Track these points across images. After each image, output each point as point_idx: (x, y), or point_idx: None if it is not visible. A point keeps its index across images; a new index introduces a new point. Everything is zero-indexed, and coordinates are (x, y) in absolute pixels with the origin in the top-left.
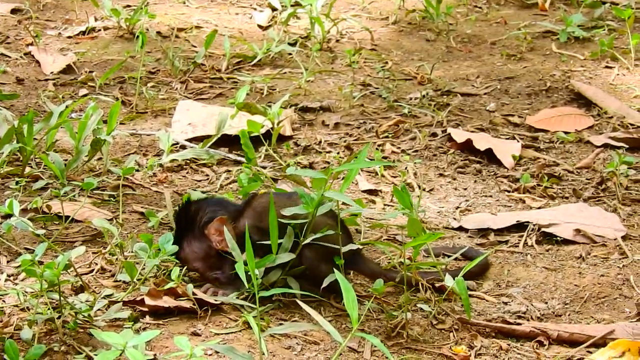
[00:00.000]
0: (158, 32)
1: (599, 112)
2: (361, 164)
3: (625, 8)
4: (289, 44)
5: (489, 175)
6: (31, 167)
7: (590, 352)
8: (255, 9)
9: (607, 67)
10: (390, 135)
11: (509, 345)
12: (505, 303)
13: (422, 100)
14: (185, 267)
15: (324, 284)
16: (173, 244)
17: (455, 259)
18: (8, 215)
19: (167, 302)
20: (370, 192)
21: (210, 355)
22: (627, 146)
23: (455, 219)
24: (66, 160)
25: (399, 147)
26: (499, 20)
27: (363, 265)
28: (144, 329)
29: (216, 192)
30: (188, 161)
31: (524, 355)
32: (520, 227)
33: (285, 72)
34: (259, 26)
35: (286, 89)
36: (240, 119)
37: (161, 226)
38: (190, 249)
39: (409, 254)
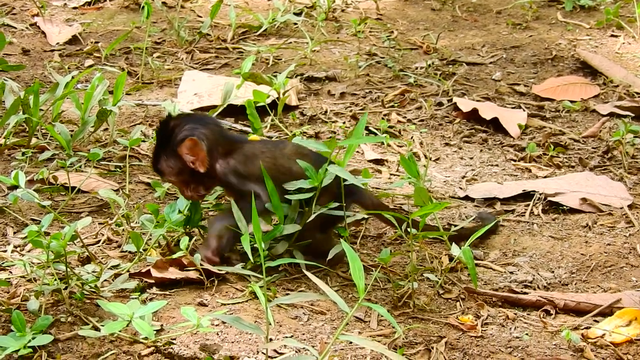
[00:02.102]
0: (163, 3)
1: (604, 81)
2: (360, 139)
3: None
4: (295, 13)
5: (495, 145)
6: (37, 138)
7: (597, 321)
8: None
9: (612, 35)
10: (396, 105)
11: (515, 314)
12: (512, 272)
13: (427, 70)
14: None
15: (330, 256)
16: (152, 155)
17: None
18: (14, 187)
19: (174, 273)
20: (376, 161)
21: (217, 325)
22: (633, 115)
23: (461, 188)
24: (72, 131)
25: (405, 117)
26: None
27: (362, 197)
28: (151, 299)
29: None
30: None
31: (530, 324)
32: (526, 196)
33: (290, 42)
34: None
35: (292, 58)
36: (246, 89)
37: (167, 197)
38: (167, 163)
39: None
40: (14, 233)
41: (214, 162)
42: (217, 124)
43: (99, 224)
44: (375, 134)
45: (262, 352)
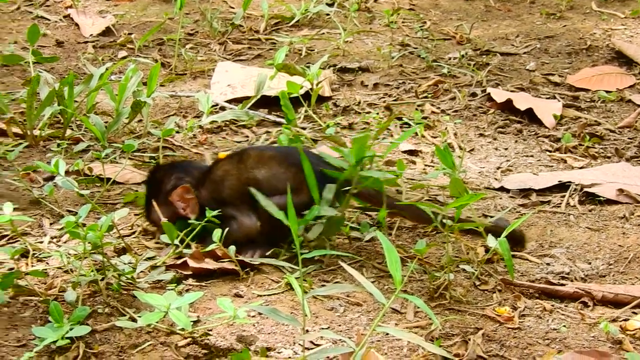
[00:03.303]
0: None
1: None
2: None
3: None
4: (327, 4)
5: (530, 135)
6: (72, 129)
7: (635, 313)
8: None
9: None
10: (429, 96)
11: (552, 306)
12: (549, 264)
13: (461, 60)
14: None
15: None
16: (144, 206)
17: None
18: (50, 178)
19: (210, 264)
20: (410, 152)
21: (253, 316)
22: None
23: (496, 179)
24: (107, 122)
25: (439, 107)
26: None
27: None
28: (187, 290)
29: None
30: (227, 122)
31: (568, 316)
32: (562, 187)
33: (323, 33)
34: None
35: (325, 49)
36: (279, 80)
37: None
38: (157, 214)
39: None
40: (50, 224)
41: (198, 197)
42: (197, 167)
43: (135, 215)
44: (409, 125)
45: (299, 344)
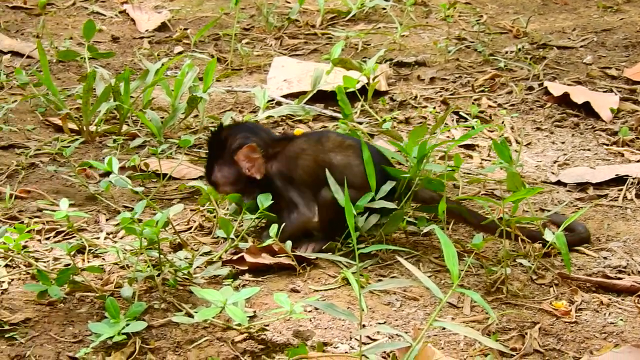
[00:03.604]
0: None
1: None
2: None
3: None
4: None
5: (587, 129)
6: (128, 125)
7: None
8: None
9: None
10: (486, 89)
11: (609, 299)
12: (606, 257)
13: (517, 54)
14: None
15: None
16: (205, 167)
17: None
18: (107, 173)
19: (266, 259)
20: (467, 146)
21: (309, 311)
22: None
23: (553, 173)
24: (163, 118)
25: (495, 101)
26: None
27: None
28: (244, 286)
29: None
30: (284, 117)
31: (625, 309)
32: (619, 180)
33: (379, 27)
34: None
35: (381, 44)
36: (335, 74)
37: None
38: (222, 173)
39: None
40: (107, 220)
41: (266, 167)
42: (266, 131)
43: (191, 210)
44: (466, 119)
45: (356, 339)
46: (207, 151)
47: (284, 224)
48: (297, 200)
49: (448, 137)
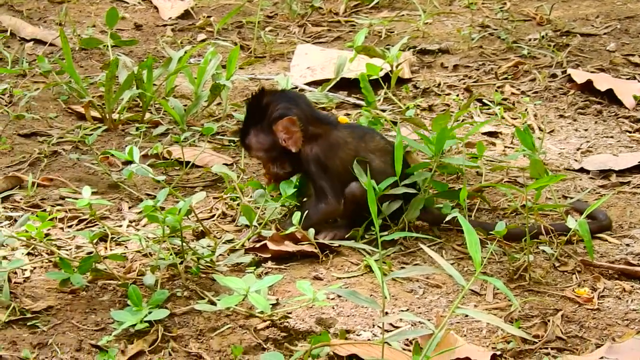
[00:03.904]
0: None
1: None
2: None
3: None
4: None
5: (610, 116)
6: (151, 113)
7: None
8: None
9: None
10: (509, 77)
11: (632, 287)
12: (628, 245)
13: (541, 41)
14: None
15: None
16: (241, 129)
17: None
18: (129, 162)
19: (289, 246)
20: (490, 134)
21: (332, 299)
22: None
23: (576, 160)
24: (186, 105)
25: (519, 89)
26: None
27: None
28: (266, 273)
29: None
30: None
31: None
32: None
33: (403, 15)
34: None
35: (404, 31)
36: (358, 62)
37: None
38: (257, 139)
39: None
40: (129, 208)
41: (303, 144)
42: (309, 105)
43: (214, 198)
44: (489, 106)
45: (378, 326)
46: (246, 112)
47: (308, 211)
48: (327, 190)
49: (471, 124)
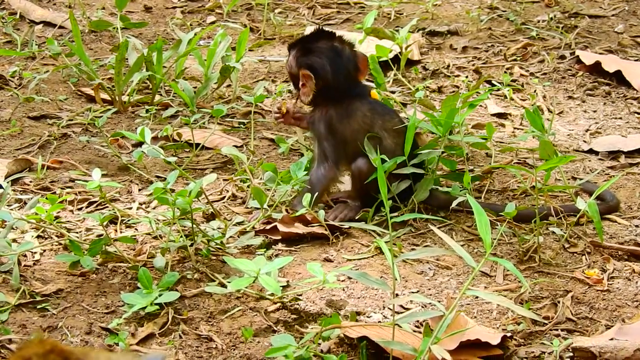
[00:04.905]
0: None
1: None
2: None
3: None
4: None
5: (619, 97)
6: (161, 95)
7: None
8: None
9: None
10: (518, 58)
11: None
12: (637, 226)
13: (549, 23)
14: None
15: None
16: (299, 40)
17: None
18: (139, 144)
19: (299, 228)
20: (499, 115)
21: (342, 281)
22: None
23: (585, 141)
24: (195, 87)
25: (528, 70)
26: None
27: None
28: (276, 255)
29: None
30: None
31: None
32: None
33: None
34: None
35: (413, 13)
36: (368, 43)
37: (291, 152)
38: (293, 60)
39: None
40: (139, 190)
41: (319, 102)
42: (347, 73)
43: (224, 180)
44: (498, 88)
45: (389, 308)
46: (312, 33)
47: (310, 178)
48: (329, 154)
49: (481, 105)
